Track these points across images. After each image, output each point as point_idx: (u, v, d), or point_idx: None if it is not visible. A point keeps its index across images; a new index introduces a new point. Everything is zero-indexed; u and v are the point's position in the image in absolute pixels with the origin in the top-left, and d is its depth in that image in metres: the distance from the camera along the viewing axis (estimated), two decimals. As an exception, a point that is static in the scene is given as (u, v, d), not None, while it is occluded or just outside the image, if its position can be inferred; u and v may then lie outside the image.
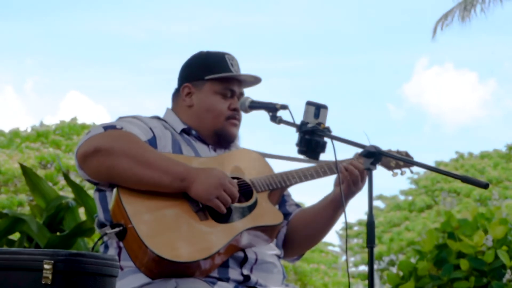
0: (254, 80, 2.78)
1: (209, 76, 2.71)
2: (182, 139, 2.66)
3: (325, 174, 2.72)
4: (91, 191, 2.56)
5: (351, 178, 2.66)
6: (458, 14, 15.87)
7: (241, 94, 2.77)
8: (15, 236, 4.05)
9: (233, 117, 2.71)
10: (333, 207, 2.72)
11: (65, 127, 20.10)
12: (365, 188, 2.72)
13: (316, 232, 2.78)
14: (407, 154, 2.85)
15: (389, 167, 2.87)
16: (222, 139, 2.72)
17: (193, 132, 2.72)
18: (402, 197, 25.80)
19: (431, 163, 2.40)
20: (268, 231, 2.51)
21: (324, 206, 2.74)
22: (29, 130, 20.35)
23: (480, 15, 15.83)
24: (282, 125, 2.56)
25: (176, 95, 2.79)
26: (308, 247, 2.85)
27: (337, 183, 2.71)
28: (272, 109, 2.59)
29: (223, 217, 2.42)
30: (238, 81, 2.75)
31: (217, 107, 2.70)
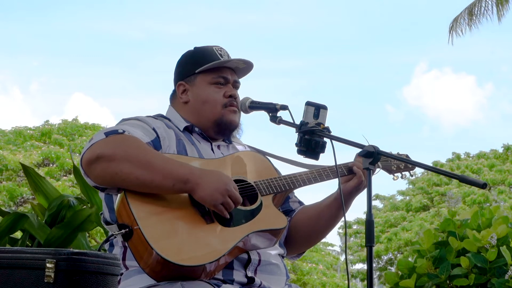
0: (246, 66, 2.76)
1: (198, 69, 2.70)
2: (185, 138, 2.66)
3: (328, 177, 2.72)
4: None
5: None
6: (468, 19, 15.87)
7: (236, 82, 2.75)
8: (17, 235, 4.06)
9: (231, 104, 2.70)
10: (336, 205, 2.72)
11: (67, 127, 20.12)
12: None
13: (319, 230, 2.78)
14: (407, 158, 2.85)
15: (390, 171, 2.89)
16: (223, 127, 2.71)
17: (196, 129, 2.72)
18: (399, 197, 25.82)
19: (429, 164, 2.41)
20: (273, 234, 2.51)
21: (328, 204, 2.74)
22: (32, 129, 20.39)
23: (482, 20, 15.85)
24: (282, 125, 2.57)
25: (173, 95, 2.80)
26: (310, 245, 2.85)
27: (344, 181, 2.72)
28: (272, 109, 2.59)
29: (229, 221, 2.42)
30: (230, 69, 2.74)
31: (212, 97, 2.69)
